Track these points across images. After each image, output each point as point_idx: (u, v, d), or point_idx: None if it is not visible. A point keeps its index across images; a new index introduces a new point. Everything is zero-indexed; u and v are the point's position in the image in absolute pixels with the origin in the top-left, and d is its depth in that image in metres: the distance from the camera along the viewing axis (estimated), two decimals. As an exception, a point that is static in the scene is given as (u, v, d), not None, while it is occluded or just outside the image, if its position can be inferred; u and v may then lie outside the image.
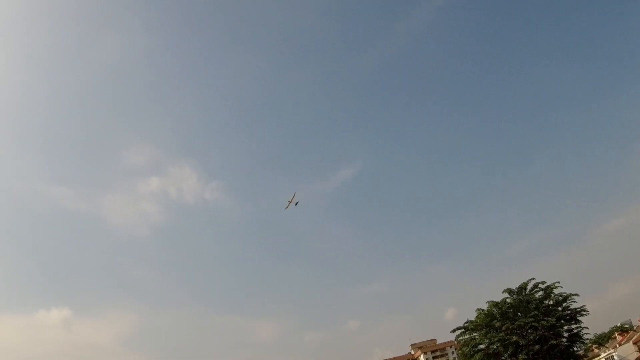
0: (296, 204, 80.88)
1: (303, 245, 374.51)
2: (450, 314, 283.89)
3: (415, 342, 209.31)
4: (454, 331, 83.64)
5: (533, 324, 71.95)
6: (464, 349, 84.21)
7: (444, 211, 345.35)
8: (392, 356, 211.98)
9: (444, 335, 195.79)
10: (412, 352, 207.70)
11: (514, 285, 79.04)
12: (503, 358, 76.91)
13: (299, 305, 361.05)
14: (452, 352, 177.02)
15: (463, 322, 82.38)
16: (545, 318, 71.67)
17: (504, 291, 78.84)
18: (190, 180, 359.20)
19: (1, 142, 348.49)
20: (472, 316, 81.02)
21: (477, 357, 78.34)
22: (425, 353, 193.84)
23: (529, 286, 77.29)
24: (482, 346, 79.00)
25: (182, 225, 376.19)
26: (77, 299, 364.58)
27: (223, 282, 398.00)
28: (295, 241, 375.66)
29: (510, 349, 73.43)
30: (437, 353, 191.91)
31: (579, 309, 75.11)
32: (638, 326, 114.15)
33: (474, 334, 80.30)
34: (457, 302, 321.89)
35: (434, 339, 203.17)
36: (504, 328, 74.27)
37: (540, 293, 76.23)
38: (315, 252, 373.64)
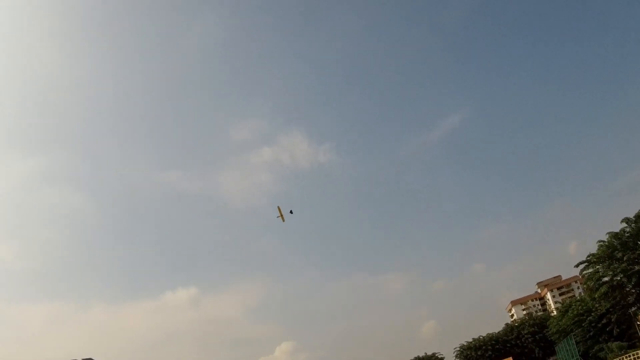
0: (290, 212, 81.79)
1: (420, 195, 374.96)
2: (573, 248, 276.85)
3: (541, 280, 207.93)
4: (577, 265, 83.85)
5: (654, 251, 71.50)
6: (588, 283, 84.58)
7: (559, 144, 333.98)
8: (519, 297, 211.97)
9: (569, 271, 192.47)
10: (539, 290, 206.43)
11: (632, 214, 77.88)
12: (627, 289, 76.90)
13: (423, 255, 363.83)
14: (578, 287, 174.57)
15: (586, 256, 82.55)
16: (666, 244, 70.84)
17: (622, 221, 77.72)
18: (301, 146, 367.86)
19: (111, 135, 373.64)
20: (595, 248, 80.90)
21: (602, 290, 78.70)
22: (551, 290, 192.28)
23: (646, 213, 75.91)
24: (606, 279, 79.11)
25: (299, 191, 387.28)
26: (201, 276, 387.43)
27: (346, 242, 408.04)
28: (412, 193, 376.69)
29: (634, 279, 73.26)
30: (563, 289, 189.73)
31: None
32: None
33: (597, 267, 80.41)
34: (579, 235, 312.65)
35: (559, 276, 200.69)
36: (625, 258, 74.01)
37: (659, 218, 74.85)
38: (432, 201, 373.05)
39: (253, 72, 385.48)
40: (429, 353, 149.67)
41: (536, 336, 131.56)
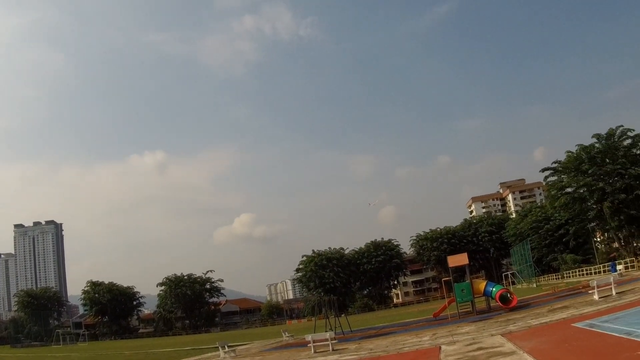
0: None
1: (401, 80, 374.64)
2: (539, 153, 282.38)
3: (505, 181, 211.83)
4: (542, 171, 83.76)
5: (620, 171, 71.96)
6: (550, 190, 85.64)
7: (542, 50, 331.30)
8: (481, 194, 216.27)
9: (533, 177, 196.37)
10: (501, 190, 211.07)
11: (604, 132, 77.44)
12: (588, 204, 78.26)
13: (393, 140, 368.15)
14: (540, 194, 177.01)
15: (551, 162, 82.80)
16: (633, 167, 71.16)
17: (593, 136, 77.27)
18: (284, 17, 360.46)
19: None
20: (562, 158, 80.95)
21: (562, 200, 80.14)
22: (513, 193, 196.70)
23: (617, 133, 75.82)
24: (569, 190, 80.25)
25: (277, 62, 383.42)
26: (171, 141, 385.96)
27: (319, 119, 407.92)
28: (393, 77, 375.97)
29: (596, 196, 74.26)
30: (525, 193, 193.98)
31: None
32: None
33: (562, 176, 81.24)
34: (547, 142, 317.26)
35: (523, 179, 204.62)
36: (590, 171, 74.51)
37: (629, 141, 74.81)
38: (412, 87, 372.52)
39: None
40: (386, 238, 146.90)
41: (493, 236, 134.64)
